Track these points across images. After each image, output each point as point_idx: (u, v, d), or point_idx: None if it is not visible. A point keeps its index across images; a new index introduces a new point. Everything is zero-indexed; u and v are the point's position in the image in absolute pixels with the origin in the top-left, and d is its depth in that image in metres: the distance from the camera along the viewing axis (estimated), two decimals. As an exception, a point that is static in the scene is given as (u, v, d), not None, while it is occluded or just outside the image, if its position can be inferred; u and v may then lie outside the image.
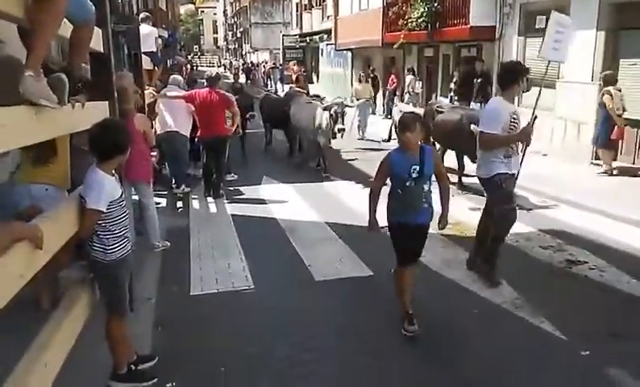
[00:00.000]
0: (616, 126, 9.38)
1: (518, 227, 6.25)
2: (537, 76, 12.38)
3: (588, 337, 4.19)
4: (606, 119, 9.52)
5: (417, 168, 4.08)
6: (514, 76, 5.11)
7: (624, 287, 5.13)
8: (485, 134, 5.01)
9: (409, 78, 17.56)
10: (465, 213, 7.59)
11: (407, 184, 4.11)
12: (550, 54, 5.93)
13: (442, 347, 4.23)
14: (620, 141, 9.77)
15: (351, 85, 24.09)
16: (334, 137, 10.26)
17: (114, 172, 3.34)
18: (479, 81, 13.84)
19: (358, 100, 15.34)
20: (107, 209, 3.16)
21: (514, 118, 5.00)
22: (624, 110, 9.42)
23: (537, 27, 12.38)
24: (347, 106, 10.79)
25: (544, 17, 12.01)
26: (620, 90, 9.53)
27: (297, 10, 41.15)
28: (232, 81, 17.36)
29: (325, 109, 10.15)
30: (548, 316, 4.53)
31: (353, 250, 6.27)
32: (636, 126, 10.02)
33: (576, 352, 4.04)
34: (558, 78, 11.64)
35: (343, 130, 10.03)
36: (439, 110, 9.71)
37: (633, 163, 10.09)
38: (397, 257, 4.43)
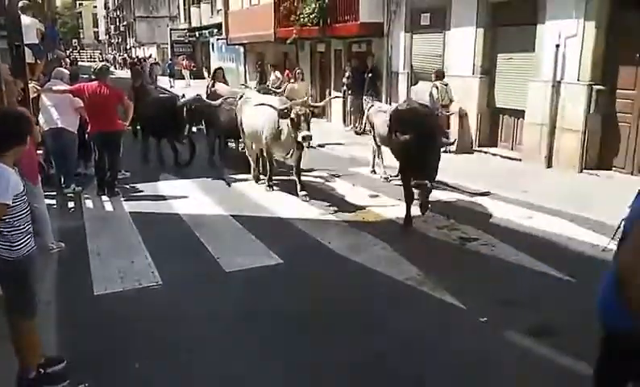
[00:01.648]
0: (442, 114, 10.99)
1: (416, 211, 6.67)
2: (423, 70, 13.23)
3: (485, 305, 4.56)
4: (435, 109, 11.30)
5: None
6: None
7: (512, 259, 5.62)
8: None
9: (273, 75, 17.56)
10: (366, 200, 7.96)
11: None
12: None
13: (351, 325, 4.41)
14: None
15: (245, 80, 24.01)
16: (300, 148, 8.07)
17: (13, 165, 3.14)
18: (369, 75, 14.38)
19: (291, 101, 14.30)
20: (12, 202, 2.97)
21: None
22: (450, 101, 11.34)
23: (422, 23, 13.09)
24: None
25: (428, 14, 12.79)
26: (447, 85, 11.36)
27: (184, 4, 40.11)
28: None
29: (282, 114, 7.91)
30: (448, 289, 4.88)
31: (260, 239, 6.32)
32: (513, 116, 10.94)
33: (475, 320, 4.40)
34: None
35: (310, 138, 7.74)
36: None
37: (512, 149, 11.03)
38: None
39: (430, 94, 11.16)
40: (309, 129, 7.76)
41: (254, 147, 9.27)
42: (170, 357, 3.97)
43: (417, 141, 6.12)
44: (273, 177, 8.87)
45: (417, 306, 4.73)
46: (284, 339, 4.22)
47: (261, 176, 9.22)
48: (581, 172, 9.17)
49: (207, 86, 13.14)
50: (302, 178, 8.51)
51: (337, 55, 17.46)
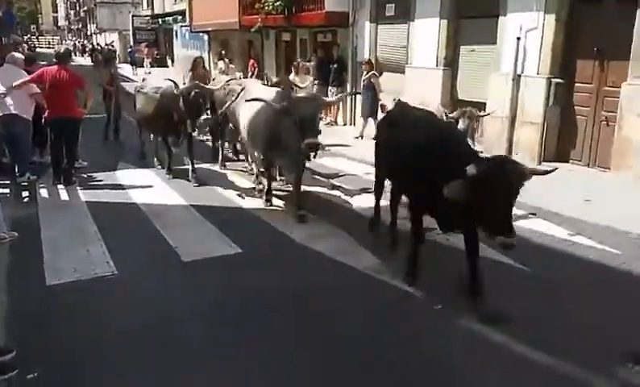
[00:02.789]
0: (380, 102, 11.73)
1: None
2: (389, 61, 13.27)
3: (440, 293, 4.60)
4: (373, 96, 12.32)
5: None
6: None
7: (466, 247, 5.68)
8: None
9: (220, 64, 17.38)
10: (329, 191, 7.96)
11: None
12: None
13: (310, 313, 4.41)
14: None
15: (210, 67, 23.66)
16: (306, 159, 6.70)
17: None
18: (334, 66, 14.35)
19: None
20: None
21: None
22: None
23: (387, 14, 13.12)
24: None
25: (393, 5, 12.83)
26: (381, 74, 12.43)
27: (147, -10, 39.29)
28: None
29: (282, 112, 6.19)
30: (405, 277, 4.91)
31: (220, 229, 6.24)
32: (476, 108, 11.04)
33: (431, 306, 4.46)
34: (407, 64, 12.48)
35: (318, 146, 6.16)
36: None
37: (474, 141, 11.13)
38: None
39: (369, 85, 12.31)
40: (317, 134, 6.18)
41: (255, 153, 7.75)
42: (123, 346, 3.89)
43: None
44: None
45: (373, 294, 4.75)
46: (240, 329, 4.18)
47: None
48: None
49: (184, 77, 11.17)
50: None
51: (303, 44, 17.38)
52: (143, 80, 10.33)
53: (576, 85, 9.12)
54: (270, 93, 7.12)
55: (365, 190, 7.71)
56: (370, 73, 12.50)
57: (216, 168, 9.31)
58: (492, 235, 3.84)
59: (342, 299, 4.63)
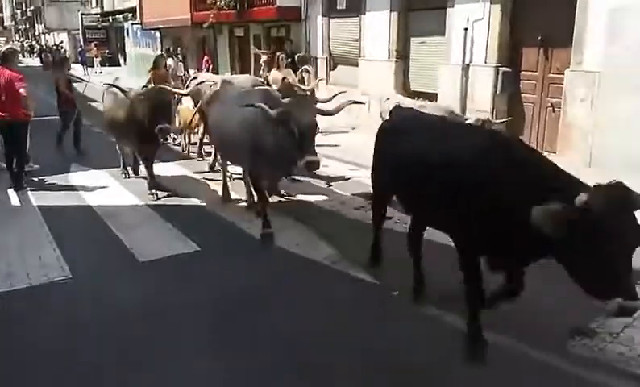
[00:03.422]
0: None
1: (334, 194, 6.78)
2: (342, 55, 13.39)
3: (397, 280, 4.71)
4: None
5: None
6: None
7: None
8: None
9: (170, 61, 17.18)
10: (287, 184, 7.98)
11: None
12: None
13: (271, 307, 4.44)
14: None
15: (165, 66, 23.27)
16: (288, 174, 6.23)
17: None
18: (288, 60, 14.34)
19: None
20: None
21: None
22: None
23: (338, 8, 13.21)
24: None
25: (344, -2, 12.93)
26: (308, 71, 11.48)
27: (96, -12, 38.30)
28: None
29: (281, 119, 4.98)
30: (363, 266, 5.01)
31: (177, 227, 6.21)
32: (427, 99, 11.25)
33: (387, 294, 4.58)
34: (360, 56, 12.61)
35: (318, 165, 5.03)
36: None
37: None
38: None
39: (300, 80, 10.16)
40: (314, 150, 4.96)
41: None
42: (79, 351, 3.85)
43: None
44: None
45: (330, 284, 4.83)
46: (199, 328, 4.19)
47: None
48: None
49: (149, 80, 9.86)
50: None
51: (256, 40, 17.31)
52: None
53: (523, 72, 9.41)
54: (253, 92, 5.93)
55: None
56: (302, 69, 11.02)
57: (171, 164, 9.24)
58: (606, 296, 2.74)
59: (303, 290, 4.69)
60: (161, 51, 24.44)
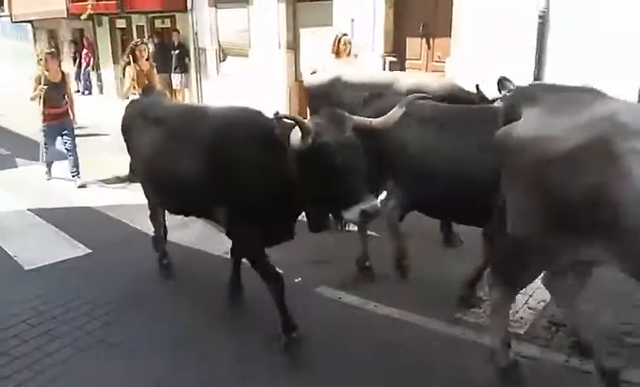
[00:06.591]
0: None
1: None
2: (231, 45, 13.20)
3: (300, 267, 4.78)
4: None
5: None
6: None
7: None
8: None
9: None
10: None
11: None
12: None
13: (171, 305, 4.37)
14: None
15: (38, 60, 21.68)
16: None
17: None
18: (176, 52, 13.97)
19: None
20: None
21: None
22: None
23: (226, -4, 13.00)
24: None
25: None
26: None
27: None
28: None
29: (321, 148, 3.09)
30: (273, 261, 5.00)
31: (65, 231, 5.87)
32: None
33: (291, 279, 4.57)
34: (250, 47, 12.52)
35: (374, 213, 3.14)
36: None
37: (319, 120, 11.58)
38: None
39: None
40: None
41: None
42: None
43: None
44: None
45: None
46: (91, 333, 4.01)
47: None
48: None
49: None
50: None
51: (140, 31, 16.58)
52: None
53: (407, 61, 9.80)
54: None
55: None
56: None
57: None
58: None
59: (203, 286, 4.62)
60: (34, 44, 22.85)
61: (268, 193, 3.42)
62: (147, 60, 8.37)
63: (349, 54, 8.12)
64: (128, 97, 7.24)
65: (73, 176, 8.01)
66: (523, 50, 7.36)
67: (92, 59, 18.07)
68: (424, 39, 9.43)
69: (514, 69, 7.07)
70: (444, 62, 8.95)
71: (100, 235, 5.77)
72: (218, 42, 13.39)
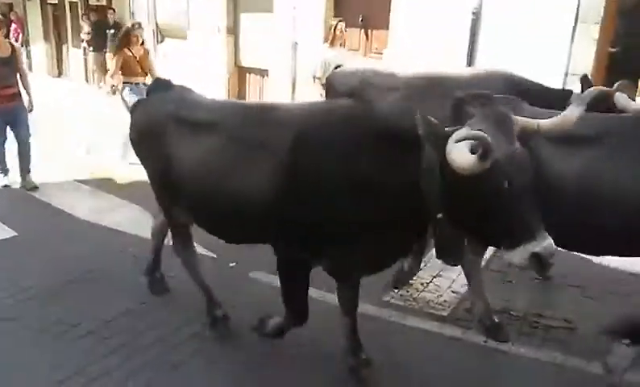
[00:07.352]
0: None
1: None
2: (169, 26, 12.92)
3: (234, 253, 4.76)
4: None
5: None
6: None
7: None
8: None
9: None
10: (115, 162, 7.61)
11: None
12: None
13: (105, 290, 4.30)
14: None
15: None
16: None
17: None
18: (111, 32, 13.54)
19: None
20: None
21: None
22: None
23: (165, -23, 12.71)
24: None
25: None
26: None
27: None
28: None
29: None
30: (201, 242, 4.83)
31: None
32: (259, 74, 11.41)
33: (226, 265, 4.71)
34: (188, 29, 12.31)
35: (550, 253, 2.28)
36: None
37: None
38: None
39: None
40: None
41: None
42: None
43: None
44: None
45: (168, 260, 4.74)
46: (22, 321, 3.89)
47: None
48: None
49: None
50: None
51: (74, 8, 15.96)
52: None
53: (348, 51, 9.92)
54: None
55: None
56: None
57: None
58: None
59: (137, 269, 4.56)
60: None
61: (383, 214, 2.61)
62: (142, 45, 7.76)
63: (343, 44, 7.76)
64: (106, 87, 6.61)
65: (23, 176, 6.69)
66: (456, 44, 7.65)
67: (21, 35, 17.19)
68: (362, 31, 9.58)
69: (447, 62, 7.44)
70: (381, 53, 9.14)
71: (26, 217, 5.63)
72: (156, 22, 13.07)
